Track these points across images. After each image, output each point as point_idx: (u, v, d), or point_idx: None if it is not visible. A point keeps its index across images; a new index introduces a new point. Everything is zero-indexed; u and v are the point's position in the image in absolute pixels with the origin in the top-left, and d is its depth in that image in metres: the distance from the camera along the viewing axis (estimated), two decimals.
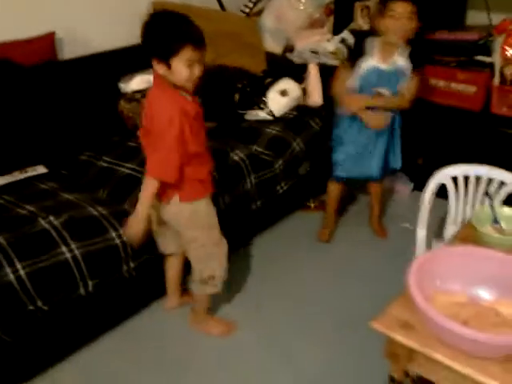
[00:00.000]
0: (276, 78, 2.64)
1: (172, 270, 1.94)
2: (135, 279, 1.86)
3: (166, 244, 1.85)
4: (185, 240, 1.76)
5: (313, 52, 2.94)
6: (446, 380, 1.06)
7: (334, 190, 2.44)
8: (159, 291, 2.01)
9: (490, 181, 1.69)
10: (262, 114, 2.56)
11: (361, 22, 3.01)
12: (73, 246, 1.68)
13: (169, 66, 1.47)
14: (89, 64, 2.46)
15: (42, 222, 1.73)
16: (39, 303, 1.60)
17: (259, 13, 3.16)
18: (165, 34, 1.45)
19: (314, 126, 2.56)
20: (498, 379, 0.96)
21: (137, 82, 2.43)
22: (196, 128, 1.58)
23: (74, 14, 2.51)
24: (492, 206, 1.41)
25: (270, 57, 2.92)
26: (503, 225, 1.38)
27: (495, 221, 1.39)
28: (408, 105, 2.15)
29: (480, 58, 2.61)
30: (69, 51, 2.52)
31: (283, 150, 2.40)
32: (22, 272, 1.57)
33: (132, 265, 1.81)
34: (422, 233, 1.74)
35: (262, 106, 2.55)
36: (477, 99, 2.54)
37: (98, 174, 2.15)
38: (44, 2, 2.39)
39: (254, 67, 2.81)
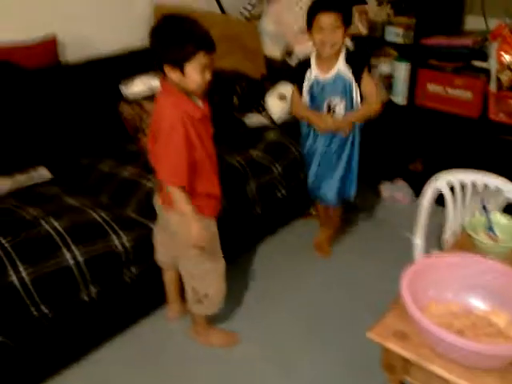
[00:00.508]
0: (275, 82, 2.66)
1: (170, 279, 1.93)
2: (137, 285, 1.87)
3: (160, 255, 1.84)
4: (180, 253, 1.73)
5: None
6: None
7: (319, 206, 2.46)
8: (161, 299, 2.01)
9: (486, 187, 1.71)
10: (260, 119, 2.58)
11: (359, 27, 3.03)
12: (75, 250, 1.70)
13: (183, 72, 1.48)
14: (90, 67, 2.47)
15: (45, 225, 1.75)
16: (43, 308, 1.62)
17: (258, 16, 3.17)
18: (179, 40, 1.45)
19: None
20: None
21: (138, 85, 2.44)
22: (202, 132, 1.58)
23: (75, 18, 2.52)
24: (486, 214, 1.43)
25: (269, 61, 2.94)
26: (497, 232, 1.40)
27: (490, 228, 1.42)
28: (378, 106, 2.12)
29: (476, 63, 2.63)
30: (71, 54, 2.52)
31: (282, 154, 2.42)
32: (25, 276, 1.59)
33: (134, 270, 1.83)
34: (418, 240, 1.76)
35: (260, 109, 2.57)
36: (474, 105, 2.56)
37: (100, 178, 2.17)
38: (46, 5, 2.40)
39: (253, 71, 2.83)
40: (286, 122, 2.60)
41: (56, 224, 1.76)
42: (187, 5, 2.86)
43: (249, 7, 3.19)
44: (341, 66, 2.05)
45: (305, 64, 2.14)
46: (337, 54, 2.03)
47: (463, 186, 1.74)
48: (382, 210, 2.84)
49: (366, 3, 3.02)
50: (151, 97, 2.27)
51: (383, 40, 2.89)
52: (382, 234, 2.61)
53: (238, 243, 2.34)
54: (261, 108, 2.58)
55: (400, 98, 2.86)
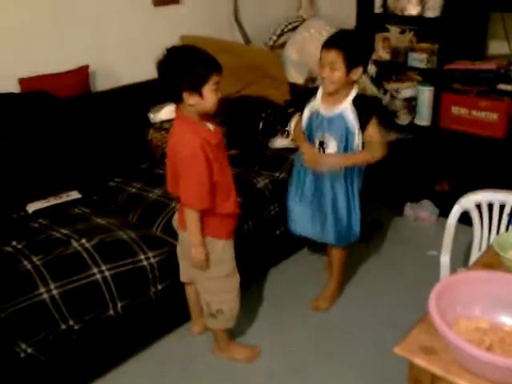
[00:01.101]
0: (299, 108, 2.71)
1: (191, 294, 1.96)
2: (162, 301, 1.91)
3: (182, 271, 1.88)
4: (195, 269, 1.75)
5: None
6: None
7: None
8: (186, 314, 2.03)
9: None
10: (284, 142, 2.63)
11: (382, 53, 3.08)
12: (103, 267, 1.75)
13: (201, 96, 1.55)
14: (120, 95, 2.59)
15: (75, 244, 1.81)
16: (71, 322, 1.66)
17: (282, 45, 3.27)
18: (193, 67, 1.52)
19: None
20: None
21: (165, 113, 2.53)
22: (218, 156, 1.63)
23: (106, 49, 2.65)
24: None
25: (294, 87, 3.01)
26: None
27: None
28: (379, 153, 1.95)
29: (502, 86, 2.64)
30: (101, 83, 2.65)
31: None
32: (55, 292, 1.64)
33: (159, 287, 1.87)
34: (445, 259, 1.74)
35: (285, 134, 2.62)
36: (499, 126, 2.56)
37: (128, 199, 2.24)
38: (78, 38, 2.53)
39: (278, 97, 2.89)
40: None
41: (85, 242, 1.81)
42: (212, 35, 2.97)
43: (274, 37, 3.29)
44: (346, 108, 1.91)
45: (311, 93, 2.04)
46: (345, 94, 1.91)
47: (490, 206, 1.72)
48: (407, 229, 2.82)
49: (388, 30, 3.07)
50: None
51: (406, 65, 2.93)
52: (407, 252, 2.60)
53: (260, 261, 2.36)
54: (286, 132, 2.62)
55: (424, 120, 2.87)
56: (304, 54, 3.17)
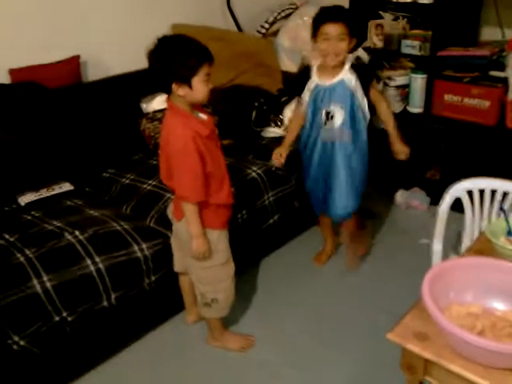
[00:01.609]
0: (292, 97, 2.70)
1: (185, 284, 1.96)
2: (156, 292, 1.91)
3: (176, 261, 1.88)
4: (189, 259, 1.76)
5: None
6: None
7: (322, 219, 2.40)
8: (180, 305, 2.04)
9: (504, 194, 1.70)
10: (278, 131, 2.62)
11: (375, 40, 3.06)
12: (97, 259, 1.74)
13: (190, 87, 1.53)
14: (111, 85, 2.56)
15: (68, 236, 1.80)
16: (64, 314, 1.66)
17: (275, 33, 3.24)
18: (183, 57, 1.50)
19: None
20: None
21: (158, 102, 2.51)
22: (210, 147, 1.62)
23: (96, 38, 2.62)
24: (506, 219, 1.43)
25: (286, 76, 2.99)
26: None
27: (509, 233, 1.40)
28: (390, 113, 2.15)
29: (494, 73, 2.64)
30: (92, 74, 2.62)
31: (299, 165, 2.44)
32: (48, 284, 1.64)
33: (153, 278, 1.87)
34: (437, 246, 1.75)
35: (278, 123, 2.61)
36: (491, 114, 2.56)
37: (121, 190, 2.23)
38: (68, 27, 2.50)
39: (271, 86, 2.88)
40: None
41: (78, 234, 1.81)
42: (204, 23, 2.94)
43: (266, 25, 3.26)
44: (345, 75, 2.02)
45: (304, 75, 2.12)
46: (341, 64, 2.02)
47: (481, 193, 1.73)
48: (398, 217, 2.84)
49: (381, 17, 3.05)
50: None
51: (399, 52, 2.92)
52: (399, 240, 2.61)
53: (254, 250, 2.37)
54: (278, 122, 2.61)
55: (416, 108, 2.87)
56: (297, 41, 3.14)
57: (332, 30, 1.91)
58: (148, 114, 2.54)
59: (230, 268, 1.81)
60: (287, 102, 2.67)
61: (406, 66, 2.98)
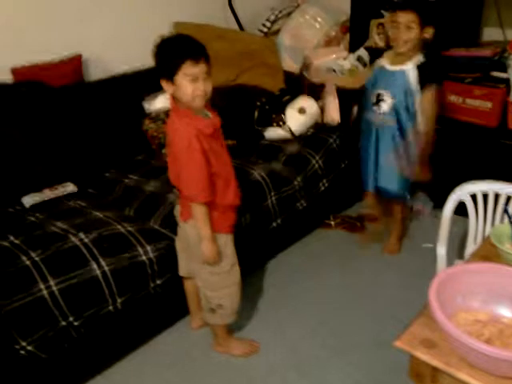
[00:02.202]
0: (294, 96, 2.70)
1: (190, 289, 1.94)
2: (161, 296, 1.90)
3: (181, 265, 1.87)
4: (196, 264, 1.75)
5: (330, 70, 3.00)
6: None
7: (366, 200, 2.47)
8: (185, 309, 2.03)
9: (509, 198, 1.70)
10: (280, 132, 2.62)
11: (376, 39, 3.06)
12: (102, 262, 1.74)
13: (174, 84, 1.51)
14: (114, 85, 2.55)
15: (73, 238, 1.80)
16: (71, 319, 1.66)
17: (277, 32, 3.23)
18: (166, 54, 1.51)
19: (332, 142, 2.60)
20: None
21: (160, 102, 2.50)
22: (214, 147, 1.61)
23: (99, 37, 2.61)
24: (511, 223, 1.43)
25: (288, 75, 2.99)
26: None
27: None
28: (428, 127, 2.17)
29: (496, 73, 2.64)
30: (94, 73, 2.61)
31: (302, 166, 2.45)
32: (54, 288, 1.64)
33: (158, 281, 1.86)
34: (442, 251, 1.75)
35: (280, 123, 2.61)
36: (493, 115, 2.55)
37: (124, 191, 2.23)
38: (70, 26, 2.49)
39: (273, 85, 2.87)
40: (305, 135, 2.63)
41: (83, 237, 1.81)
42: (206, 22, 2.93)
43: (267, 24, 3.25)
44: (409, 67, 2.09)
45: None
46: (411, 55, 2.08)
47: (485, 196, 1.73)
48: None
49: (383, 16, 3.05)
50: None
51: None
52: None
53: (258, 254, 2.36)
54: (281, 122, 2.61)
55: None
56: (298, 40, 3.14)
57: (401, 18, 2.00)
58: (151, 113, 2.53)
59: (236, 274, 1.79)
60: (289, 102, 2.67)
61: None
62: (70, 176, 2.27)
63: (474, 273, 1.20)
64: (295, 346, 1.99)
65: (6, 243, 1.79)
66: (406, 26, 2.00)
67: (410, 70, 2.09)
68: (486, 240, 1.48)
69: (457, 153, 2.72)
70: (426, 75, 2.09)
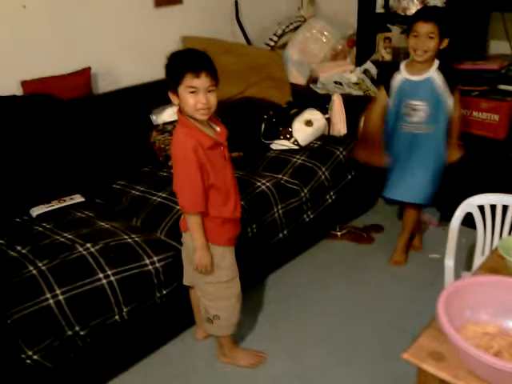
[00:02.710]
0: (301, 109, 2.71)
1: (195, 300, 1.94)
2: (167, 306, 1.90)
3: (185, 274, 1.87)
4: (195, 272, 1.74)
5: (336, 83, 3.02)
6: None
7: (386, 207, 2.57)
8: (190, 319, 2.03)
9: None
10: (287, 144, 2.63)
11: (383, 53, 3.09)
12: (109, 272, 1.74)
13: (178, 96, 1.55)
14: (122, 97, 2.58)
15: (80, 248, 1.80)
16: (77, 328, 1.66)
17: (284, 46, 3.27)
18: (171, 67, 1.55)
19: (339, 155, 2.61)
20: None
21: (168, 114, 2.52)
22: (213, 159, 1.61)
23: (108, 50, 2.65)
24: None
25: (295, 88, 3.01)
26: None
27: None
28: (460, 119, 2.27)
29: (503, 86, 2.64)
30: (103, 85, 2.65)
31: (309, 178, 2.45)
32: (61, 297, 1.64)
33: (164, 291, 1.86)
34: (450, 263, 1.74)
35: (287, 136, 2.62)
36: (500, 128, 2.56)
37: (131, 202, 2.24)
38: (80, 40, 2.53)
39: (280, 98, 2.90)
40: (312, 148, 2.63)
41: (90, 246, 1.81)
42: (213, 36, 2.97)
43: (274, 38, 3.29)
44: (432, 73, 2.16)
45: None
46: (429, 64, 2.15)
47: (493, 208, 1.73)
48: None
49: (389, 30, 3.07)
50: None
51: None
52: (409, 255, 2.58)
53: (264, 265, 2.36)
54: (288, 134, 2.62)
55: None
56: (305, 54, 3.17)
57: (422, 27, 2.06)
58: (158, 125, 2.55)
59: (234, 287, 1.79)
60: (296, 115, 2.68)
61: None
62: (79, 187, 2.29)
63: (482, 285, 1.20)
64: (300, 357, 1.98)
65: (13, 253, 1.81)
66: (426, 36, 2.06)
67: (435, 75, 2.16)
68: (494, 252, 1.47)
69: (465, 165, 2.71)
70: (451, 76, 2.18)
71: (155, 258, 1.84)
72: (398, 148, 2.29)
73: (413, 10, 2.80)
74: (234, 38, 3.22)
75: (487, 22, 2.86)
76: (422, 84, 2.17)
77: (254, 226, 2.16)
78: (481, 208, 1.73)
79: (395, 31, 3.08)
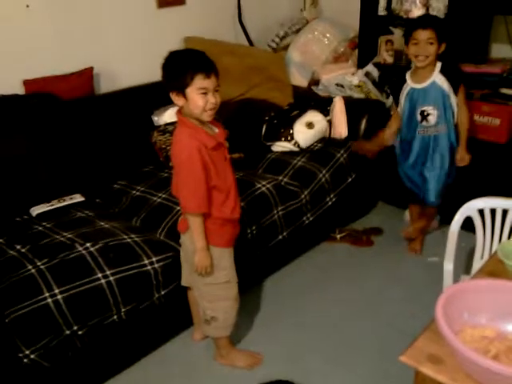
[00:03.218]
0: (302, 111, 2.71)
1: (193, 301, 1.94)
2: (165, 307, 1.90)
3: (183, 275, 1.87)
4: (193, 273, 1.74)
5: (338, 85, 3.02)
6: None
7: (412, 210, 2.64)
8: (188, 320, 2.03)
9: None
10: (288, 146, 2.62)
11: (385, 56, 3.08)
12: (107, 272, 1.74)
13: (185, 97, 1.54)
14: (124, 98, 2.59)
15: (79, 248, 1.81)
16: (75, 328, 1.66)
17: (286, 47, 3.27)
18: (178, 68, 1.54)
19: (340, 157, 2.60)
20: None
21: (169, 115, 2.52)
22: (216, 159, 1.61)
23: (110, 51, 2.66)
24: None
25: (297, 90, 3.01)
26: None
27: None
28: (467, 119, 2.34)
29: (505, 90, 2.63)
30: (105, 86, 2.65)
31: (309, 180, 2.45)
32: (59, 296, 1.64)
33: (162, 292, 1.86)
34: (449, 266, 1.73)
35: (288, 137, 2.62)
36: (502, 131, 2.55)
37: (131, 202, 2.24)
38: (82, 40, 2.54)
39: (281, 100, 2.89)
40: (313, 150, 2.63)
41: (89, 246, 1.82)
42: (216, 37, 2.97)
43: (277, 39, 3.29)
44: (436, 77, 2.26)
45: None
46: (431, 68, 2.25)
47: (493, 212, 1.72)
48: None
49: (392, 33, 3.07)
50: None
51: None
52: (408, 258, 2.59)
53: (263, 266, 2.36)
54: (289, 136, 2.62)
55: None
56: (307, 56, 3.17)
57: (421, 35, 2.17)
58: (159, 126, 2.56)
59: (232, 289, 1.79)
60: (298, 117, 2.68)
61: None
62: (79, 187, 2.29)
63: (481, 289, 1.19)
64: (298, 359, 1.98)
65: (12, 252, 1.81)
66: (426, 42, 2.17)
67: (438, 78, 2.26)
68: (493, 256, 1.47)
69: (465, 168, 2.71)
70: (454, 76, 2.28)
71: (154, 259, 1.84)
72: (418, 152, 2.40)
73: (415, 12, 2.80)
74: (237, 39, 3.22)
75: (490, 26, 2.85)
76: (429, 89, 2.28)
77: (254, 228, 2.15)
78: (481, 212, 1.73)
79: (397, 34, 3.06)
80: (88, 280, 1.71)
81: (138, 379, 1.89)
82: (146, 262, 1.83)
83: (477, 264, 1.77)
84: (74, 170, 2.31)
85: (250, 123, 2.68)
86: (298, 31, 3.29)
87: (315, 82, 3.15)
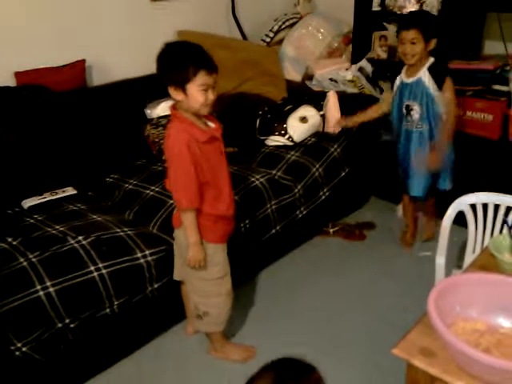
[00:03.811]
0: (296, 105, 2.71)
1: (186, 295, 1.93)
2: (158, 300, 1.90)
3: (176, 269, 1.87)
4: (186, 268, 1.73)
5: (332, 80, 3.02)
6: None
7: (405, 200, 2.65)
8: (182, 313, 2.03)
9: (508, 209, 1.71)
10: (282, 140, 2.62)
11: (379, 51, 3.09)
12: (100, 265, 1.74)
13: (185, 92, 1.52)
14: (116, 91, 2.57)
15: (72, 241, 1.79)
16: (67, 321, 1.65)
17: (280, 42, 3.26)
18: (180, 62, 1.51)
19: (333, 151, 2.61)
20: None
21: (162, 108, 2.51)
22: (208, 154, 1.60)
23: (102, 43, 2.63)
24: (510, 234, 1.43)
25: (290, 84, 3.01)
26: None
27: None
28: (456, 111, 2.33)
29: (497, 87, 2.65)
30: (97, 78, 2.63)
31: (303, 174, 2.45)
32: (51, 289, 1.63)
33: (155, 285, 1.86)
34: (441, 260, 1.75)
35: (282, 132, 2.62)
36: (494, 127, 2.57)
37: (124, 196, 2.23)
38: (75, 32, 2.51)
39: (275, 94, 2.89)
40: (306, 144, 2.63)
41: (81, 239, 1.80)
42: (209, 31, 2.96)
43: (270, 34, 3.28)
44: (422, 74, 2.28)
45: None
46: (422, 64, 2.27)
47: (485, 207, 1.74)
48: (399, 229, 2.82)
49: (385, 29, 3.08)
50: None
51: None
52: (399, 252, 2.61)
53: (256, 260, 2.36)
54: (282, 131, 2.62)
55: None
56: (301, 50, 3.17)
57: (405, 35, 2.21)
58: (152, 119, 2.54)
59: (225, 284, 1.78)
60: (291, 111, 2.68)
61: None
62: (71, 180, 2.28)
63: (472, 282, 1.20)
64: (291, 352, 1.93)
65: (4, 244, 1.79)
66: (410, 42, 2.20)
67: (424, 75, 2.28)
68: (485, 250, 1.48)
69: (458, 164, 2.73)
70: (439, 72, 2.27)
71: (147, 252, 1.84)
72: (403, 145, 2.42)
73: (409, 8, 2.80)
74: (230, 33, 3.21)
75: (483, 22, 2.87)
76: (414, 85, 2.30)
77: (247, 222, 2.15)
78: (473, 207, 1.74)
79: (391, 30, 3.07)
80: (80, 273, 1.70)
81: (131, 372, 1.89)
82: (139, 255, 1.82)
83: (469, 258, 1.78)
84: (66, 163, 2.29)
85: (243, 117, 2.68)
86: (291, 26, 3.29)
87: (309, 76, 3.15)
